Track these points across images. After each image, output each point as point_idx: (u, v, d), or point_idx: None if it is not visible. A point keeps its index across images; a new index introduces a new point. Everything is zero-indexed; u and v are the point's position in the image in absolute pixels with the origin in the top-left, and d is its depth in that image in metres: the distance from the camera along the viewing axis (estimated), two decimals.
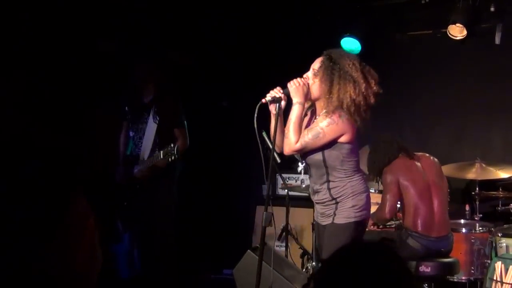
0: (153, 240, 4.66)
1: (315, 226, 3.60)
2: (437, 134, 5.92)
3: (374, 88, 3.30)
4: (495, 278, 4.13)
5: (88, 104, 5.06)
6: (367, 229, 4.72)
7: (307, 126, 3.43)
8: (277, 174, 5.55)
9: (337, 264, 1.37)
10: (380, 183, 4.65)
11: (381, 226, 4.89)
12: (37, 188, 1.16)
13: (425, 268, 4.28)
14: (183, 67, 6.13)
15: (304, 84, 3.33)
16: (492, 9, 5.29)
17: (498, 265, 4.15)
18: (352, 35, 5.71)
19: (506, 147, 5.62)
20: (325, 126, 3.26)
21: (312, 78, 3.37)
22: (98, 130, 5.00)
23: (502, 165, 5.06)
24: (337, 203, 3.33)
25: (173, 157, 4.28)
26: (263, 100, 3.30)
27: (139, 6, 5.45)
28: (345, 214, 3.31)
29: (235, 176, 6.47)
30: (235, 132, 6.12)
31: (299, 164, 5.00)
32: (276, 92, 3.32)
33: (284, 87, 3.34)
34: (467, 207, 5.18)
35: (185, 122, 4.76)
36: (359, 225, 3.34)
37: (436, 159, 4.61)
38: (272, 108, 3.33)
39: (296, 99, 3.30)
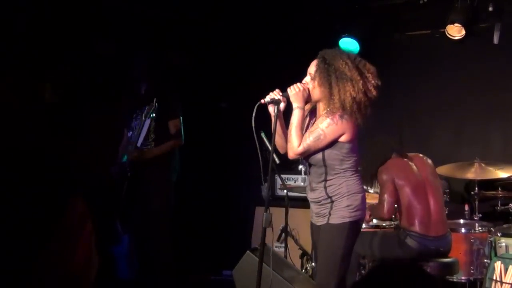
0: (149, 242, 4.66)
1: (311, 226, 3.60)
2: (436, 134, 5.92)
3: (373, 81, 3.31)
4: (494, 278, 4.13)
5: (88, 107, 5.06)
6: (367, 230, 4.79)
7: (308, 127, 3.45)
8: (276, 175, 5.55)
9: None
10: (376, 185, 4.67)
11: (380, 227, 4.90)
12: (37, 190, 1.16)
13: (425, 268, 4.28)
14: (181, 68, 6.14)
15: (304, 89, 3.36)
16: (490, 8, 5.29)
17: (498, 265, 4.15)
18: (350, 35, 5.72)
19: (505, 146, 5.62)
20: (325, 127, 3.29)
21: (311, 83, 3.39)
22: (98, 133, 5.00)
23: (501, 165, 5.06)
24: (332, 202, 3.34)
25: (153, 113, 4.37)
26: (262, 101, 3.31)
27: (137, 7, 5.46)
28: (340, 214, 3.32)
29: (234, 177, 6.47)
30: (233, 133, 6.12)
31: (300, 164, 5.00)
32: (275, 94, 3.34)
33: (284, 90, 3.37)
34: (466, 207, 5.18)
35: (181, 118, 4.75)
36: (354, 225, 3.33)
37: (429, 159, 4.62)
38: (271, 110, 3.35)
39: (296, 104, 3.34)
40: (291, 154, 3.38)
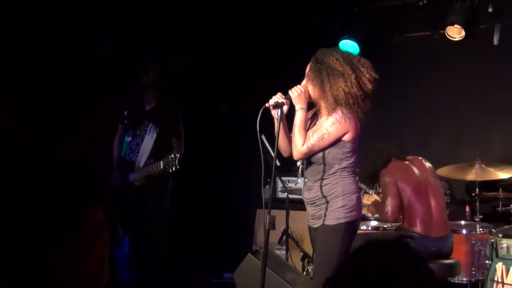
0: (147, 246, 4.66)
1: (308, 229, 3.61)
2: (437, 136, 5.92)
3: (367, 75, 3.32)
4: (496, 279, 4.13)
5: (86, 108, 5.06)
6: (368, 232, 4.79)
7: (310, 127, 3.46)
8: (277, 177, 5.54)
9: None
10: (377, 189, 4.69)
11: (380, 229, 4.90)
12: (56, 192, 1.16)
13: None
14: (182, 71, 6.14)
15: (304, 91, 3.39)
16: (490, 9, 5.29)
17: (499, 266, 4.15)
18: (350, 37, 5.72)
19: (506, 147, 5.61)
20: (328, 126, 3.31)
21: (308, 83, 3.43)
22: (94, 133, 5.00)
23: (502, 166, 5.06)
24: (327, 202, 3.35)
25: (173, 168, 4.29)
26: (266, 105, 3.35)
27: (139, 11, 5.46)
28: (335, 215, 3.32)
29: (235, 179, 6.46)
30: (234, 135, 6.12)
31: (298, 164, 4.99)
32: (279, 98, 3.36)
33: (285, 92, 3.40)
34: (467, 208, 5.18)
35: (183, 132, 4.75)
36: (350, 225, 3.33)
37: (428, 162, 4.63)
38: (274, 113, 3.38)
39: (298, 105, 3.38)
40: (296, 154, 3.41)
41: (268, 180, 3.36)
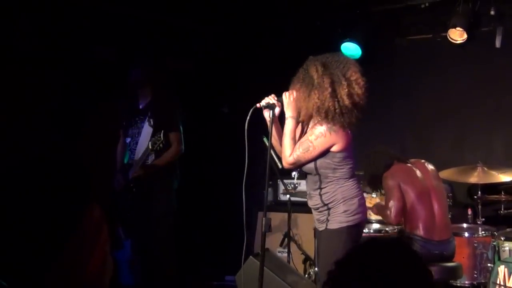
0: (151, 248, 4.64)
1: (314, 232, 3.61)
2: (439, 139, 5.91)
3: (347, 89, 3.18)
4: (498, 282, 4.12)
5: (88, 111, 5.07)
6: (371, 235, 4.78)
7: (302, 134, 3.44)
8: (278, 180, 5.53)
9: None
10: (381, 192, 4.69)
11: (383, 232, 4.89)
12: (55, 192, 1.17)
13: None
14: (183, 73, 6.14)
15: (295, 98, 3.33)
16: (492, 12, 5.28)
17: (501, 269, 4.14)
18: (352, 40, 5.71)
19: (508, 150, 5.60)
20: (314, 140, 3.27)
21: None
22: (97, 136, 5.00)
23: (504, 169, 5.05)
24: (329, 209, 3.34)
25: (161, 145, 4.33)
26: (258, 105, 3.33)
27: (137, 12, 5.47)
28: (338, 220, 3.31)
29: (236, 182, 6.45)
30: (235, 137, 6.11)
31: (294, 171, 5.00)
32: (271, 99, 3.34)
33: (279, 95, 3.36)
34: (469, 211, 5.17)
35: (181, 127, 4.72)
36: (353, 228, 3.32)
37: (430, 164, 4.62)
38: (267, 115, 3.36)
39: (289, 113, 3.32)
40: (284, 164, 3.40)
41: (270, 183, 3.36)
